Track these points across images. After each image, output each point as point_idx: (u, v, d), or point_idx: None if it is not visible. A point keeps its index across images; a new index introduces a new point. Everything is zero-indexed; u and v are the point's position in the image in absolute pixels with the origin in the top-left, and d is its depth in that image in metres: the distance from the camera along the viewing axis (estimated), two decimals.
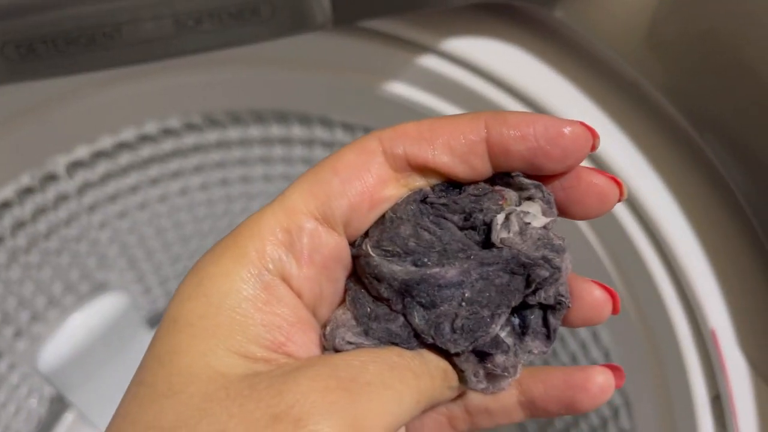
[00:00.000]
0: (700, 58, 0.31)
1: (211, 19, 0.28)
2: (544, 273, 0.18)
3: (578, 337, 0.48)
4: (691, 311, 0.30)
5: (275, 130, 0.49)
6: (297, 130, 0.49)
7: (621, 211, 0.32)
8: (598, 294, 0.20)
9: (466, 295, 0.18)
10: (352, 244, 0.19)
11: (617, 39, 0.34)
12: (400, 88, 0.38)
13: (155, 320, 0.63)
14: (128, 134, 0.45)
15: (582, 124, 0.18)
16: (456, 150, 0.18)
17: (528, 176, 0.19)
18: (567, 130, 0.18)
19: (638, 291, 0.33)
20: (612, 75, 0.34)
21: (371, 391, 0.16)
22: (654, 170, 0.32)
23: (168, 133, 0.46)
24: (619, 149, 0.32)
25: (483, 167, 0.18)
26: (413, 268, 0.18)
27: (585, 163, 0.32)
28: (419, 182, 0.19)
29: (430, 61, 0.36)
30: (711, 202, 0.31)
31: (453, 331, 0.18)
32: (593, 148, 0.18)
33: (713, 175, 0.32)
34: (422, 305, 0.18)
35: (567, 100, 0.33)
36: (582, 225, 0.35)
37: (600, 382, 0.20)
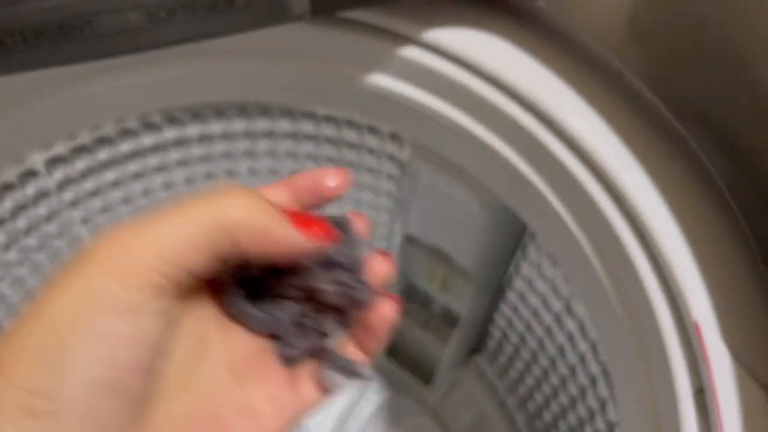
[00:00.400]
0: (684, 47, 0.31)
1: (184, 10, 0.27)
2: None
3: (566, 330, 0.48)
4: (674, 304, 0.30)
5: (259, 124, 0.49)
6: (282, 124, 0.49)
7: (605, 202, 0.32)
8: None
9: None
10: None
11: (601, 28, 0.34)
12: (382, 80, 0.37)
13: None
14: (108, 129, 0.44)
15: (335, 170, 0.28)
16: (293, 196, 0.28)
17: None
18: (326, 177, 0.27)
19: (622, 283, 0.32)
20: (596, 64, 0.34)
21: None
22: (638, 161, 0.31)
23: (149, 127, 0.46)
24: (603, 140, 0.32)
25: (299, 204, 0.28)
26: None
27: (569, 154, 0.31)
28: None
29: (411, 52, 0.35)
30: (695, 193, 0.31)
31: None
32: (347, 182, 0.28)
33: (697, 166, 0.32)
34: None
35: (550, 90, 0.33)
36: (567, 217, 0.34)
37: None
